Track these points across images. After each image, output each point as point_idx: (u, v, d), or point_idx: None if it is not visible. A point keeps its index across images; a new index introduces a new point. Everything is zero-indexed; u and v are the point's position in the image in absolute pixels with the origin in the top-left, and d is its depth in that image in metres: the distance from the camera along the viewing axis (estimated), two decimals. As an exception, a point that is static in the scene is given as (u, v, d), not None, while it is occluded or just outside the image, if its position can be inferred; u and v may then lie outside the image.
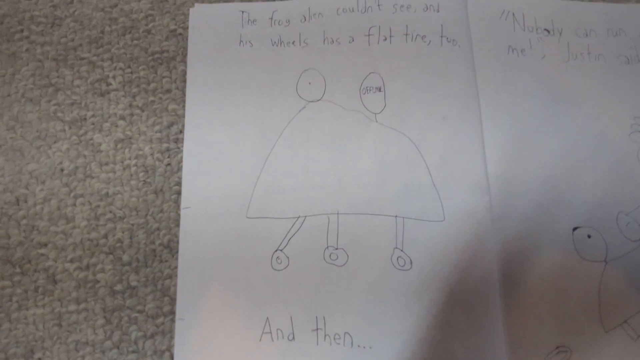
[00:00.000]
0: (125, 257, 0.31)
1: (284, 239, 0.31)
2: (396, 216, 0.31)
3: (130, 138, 0.34)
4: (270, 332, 0.29)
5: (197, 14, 0.36)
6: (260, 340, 0.29)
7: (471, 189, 0.32)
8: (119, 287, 0.31)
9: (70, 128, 0.34)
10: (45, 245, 0.31)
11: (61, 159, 0.33)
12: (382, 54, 0.35)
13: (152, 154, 0.33)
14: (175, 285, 0.31)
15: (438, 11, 0.36)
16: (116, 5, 0.37)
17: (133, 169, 0.33)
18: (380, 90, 0.34)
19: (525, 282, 0.30)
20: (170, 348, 0.30)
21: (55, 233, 0.32)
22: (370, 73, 0.34)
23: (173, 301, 0.30)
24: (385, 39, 0.35)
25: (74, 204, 0.32)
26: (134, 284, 0.31)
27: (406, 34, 0.35)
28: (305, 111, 0.34)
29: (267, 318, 0.30)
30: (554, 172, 0.32)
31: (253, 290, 0.30)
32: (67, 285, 0.31)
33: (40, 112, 0.34)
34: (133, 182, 0.33)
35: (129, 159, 0.33)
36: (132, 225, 0.32)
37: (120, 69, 0.35)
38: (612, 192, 0.32)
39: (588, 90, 0.34)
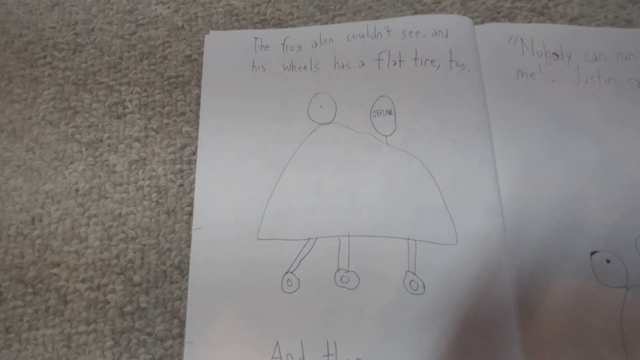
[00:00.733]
0: (136, 278, 0.31)
1: (295, 260, 0.31)
2: (408, 239, 0.31)
3: (144, 159, 0.34)
4: (280, 357, 0.29)
5: (212, 40, 0.37)
6: (270, 365, 0.29)
7: (484, 212, 0.31)
8: (128, 308, 0.31)
9: (87, 149, 0.34)
10: (58, 265, 0.32)
11: (77, 179, 0.34)
12: (392, 77, 0.35)
13: (165, 175, 0.34)
14: (185, 307, 0.30)
15: (447, 36, 0.36)
16: (135, 33, 0.38)
17: (146, 189, 0.33)
18: (390, 113, 0.34)
19: (543, 310, 0.29)
20: (178, 371, 0.29)
21: (68, 253, 0.32)
22: (380, 96, 0.35)
23: (182, 323, 0.30)
24: (395, 64, 0.36)
25: (88, 224, 0.32)
26: (143, 305, 0.31)
27: (415, 59, 0.36)
28: (316, 134, 0.34)
29: (277, 342, 0.29)
30: (567, 196, 0.32)
31: (263, 313, 0.30)
32: (77, 306, 0.31)
33: (59, 134, 0.35)
34: (146, 203, 0.33)
35: (143, 179, 0.34)
36: (144, 245, 0.32)
37: (137, 92, 0.36)
38: (629, 216, 0.31)
39: (599, 114, 0.34)
